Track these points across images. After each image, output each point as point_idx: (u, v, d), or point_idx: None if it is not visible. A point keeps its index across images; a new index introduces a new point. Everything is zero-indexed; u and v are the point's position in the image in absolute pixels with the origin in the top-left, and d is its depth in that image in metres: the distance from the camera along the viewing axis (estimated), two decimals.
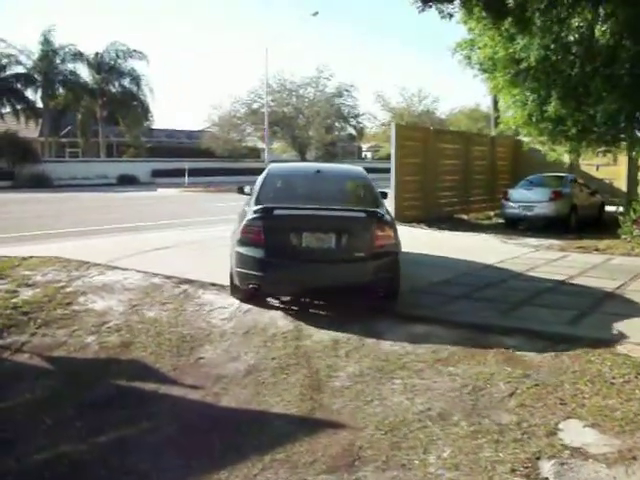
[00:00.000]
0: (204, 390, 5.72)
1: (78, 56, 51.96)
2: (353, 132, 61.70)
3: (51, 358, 6.47)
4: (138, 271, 9.81)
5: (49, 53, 50.43)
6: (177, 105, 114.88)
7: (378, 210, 8.43)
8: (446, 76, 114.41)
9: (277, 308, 8.20)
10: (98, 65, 52.70)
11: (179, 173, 46.51)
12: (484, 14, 11.16)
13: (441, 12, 10.76)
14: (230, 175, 49.86)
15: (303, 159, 56.77)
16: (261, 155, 59.91)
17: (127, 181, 47.24)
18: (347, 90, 57.18)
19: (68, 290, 8.65)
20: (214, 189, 38.31)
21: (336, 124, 57.76)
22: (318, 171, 9.56)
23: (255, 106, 54.53)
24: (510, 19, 10.75)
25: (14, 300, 8.06)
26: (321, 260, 7.89)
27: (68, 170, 46.31)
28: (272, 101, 52.42)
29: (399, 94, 61.25)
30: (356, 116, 59.65)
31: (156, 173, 50.38)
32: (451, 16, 10.92)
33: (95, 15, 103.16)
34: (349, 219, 8.14)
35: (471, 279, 10.46)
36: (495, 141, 25.22)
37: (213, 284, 9.15)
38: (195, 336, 7.04)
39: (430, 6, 10.39)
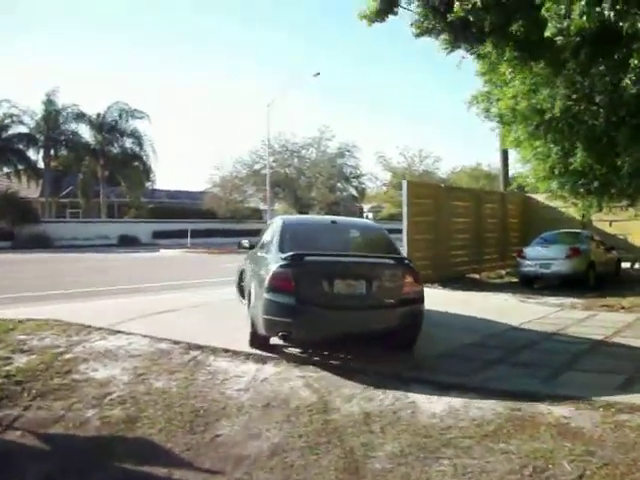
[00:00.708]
0: (224, 476, 4.90)
1: (80, 116, 52.04)
2: (354, 193, 61.32)
3: (46, 436, 5.67)
4: (144, 336, 9.10)
5: (52, 113, 50.47)
6: (178, 165, 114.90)
7: (404, 257, 8.93)
8: (446, 136, 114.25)
9: (296, 364, 7.73)
10: (100, 125, 52.64)
11: (181, 234, 46.07)
12: (516, 54, 10.68)
13: (471, 52, 10.41)
14: (232, 236, 48.92)
15: None
16: (263, 216, 59.50)
17: (128, 242, 46.79)
18: (349, 150, 57.29)
19: (67, 357, 7.89)
20: (217, 250, 37.72)
21: (338, 184, 57.52)
22: (334, 222, 9.87)
23: (257, 167, 54.49)
24: (543, 62, 10.35)
25: (7, 368, 7.30)
26: (352, 307, 7.99)
27: (69, 230, 45.97)
28: (274, 162, 52.27)
29: (400, 154, 60.84)
30: (358, 176, 59.66)
31: (157, 234, 50.01)
32: (481, 57, 10.52)
33: (96, 76, 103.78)
34: (379, 266, 8.36)
35: (501, 341, 9.76)
36: (505, 198, 24.64)
37: (225, 350, 8.45)
38: (209, 410, 6.25)
39: (459, 46, 10.02)
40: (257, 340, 8.53)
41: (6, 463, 5.13)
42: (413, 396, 6.79)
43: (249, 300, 9.03)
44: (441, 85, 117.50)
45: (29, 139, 50.68)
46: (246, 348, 8.55)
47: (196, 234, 44.07)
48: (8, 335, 8.84)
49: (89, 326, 9.54)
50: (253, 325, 8.50)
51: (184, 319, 10.71)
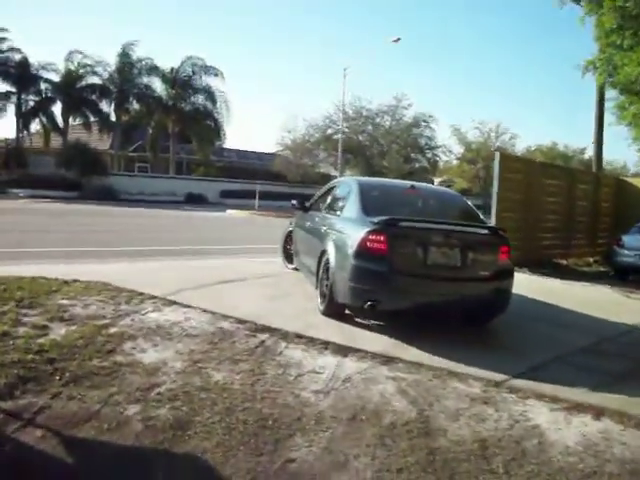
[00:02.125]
0: None
1: (154, 70, 50.96)
2: (426, 164, 59.37)
3: (73, 441, 4.37)
4: (204, 310, 7.82)
5: (126, 65, 49.64)
6: (249, 125, 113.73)
7: (499, 228, 8.49)
8: (524, 114, 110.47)
9: (383, 359, 6.27)
10: (173, 80, 51.56)
11: (248, 195, 44.99)
12: None
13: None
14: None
15: None
16: None
17: (195, 200, 46.02)
18: (425, 121, 55.32)
19: (112, 331, 6.63)
20: (282, 214, 36.46)
21: (411, 155, 55.89)
22: (413, 187, 9.41)
23: (329, 132, 53.21)
24: None
25: (40, 341, 6.07)
26: (446, 277, 7.62)
27: (136, 185, 45.40)
28: (347, 127, 50.82)
29: (476, 128, 58.57)
30: (432, 148, 57.71)
31: (225, 193, 49.10)
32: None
33: (168, 31, 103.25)
34: (475, 235, 8.02)
35: (623, 347, 8.24)
36: (599, 180, 22.63)
37: (298, 335, 7.14)
38: (280, 420, 4.87)
39: None
40: (333, 308, 8.13)
41: None
42: (534, 417, 5.37)
43: (320, 267, 8.71)
44: (526, 61, 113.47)
45: (102, 90, 49.96)
46: (322, 334, 7.29)
47: (264, 196, 42.64)
48: (49, 298, 7.65)
49: (142, 293, 8.30)
50: (331, 292, 8.02)
51: (250, 292, 9.39)
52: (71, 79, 48.64)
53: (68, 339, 6.20)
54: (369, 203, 8.42)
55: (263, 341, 6.86)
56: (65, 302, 7.52)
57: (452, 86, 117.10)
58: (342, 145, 46.45)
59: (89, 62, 49.36)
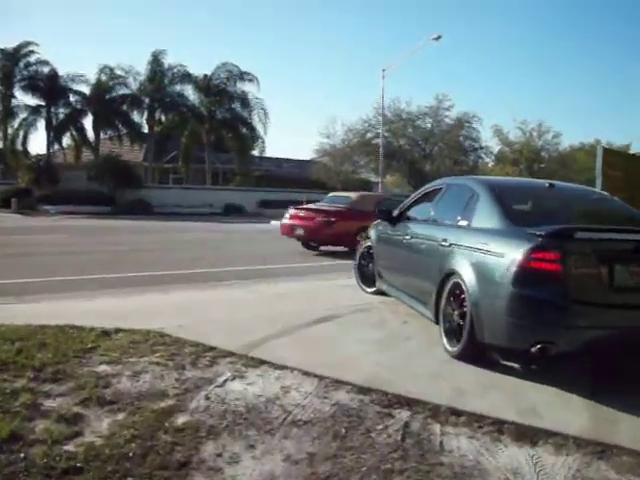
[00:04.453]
0: None
1: (186, 77, 49.13)
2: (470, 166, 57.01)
3: None
4: (305, 373, 5.41)
5: (157, 74, 47.79)
6: (285, 133, 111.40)
7: None
8: (565, 112, 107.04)
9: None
10: (207, 87, 49.54)
11: (288, 204, 42.74)
12: None
13: None
14: None
15: None
16: (373, 188, 56.09)
17: (233, 211, 43.93)
18: (468, 121, 53.03)
19: (181, 421, 4.25)
20: None
21: (463, 157, 53.91)
22: (552, 185, 7.42)
23: (369, 136, 51.45)
24: None
25: (69, 447, 3.75)
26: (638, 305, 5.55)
27: (171, 197, 43.44)
28: (387, 131, 48.72)
29: (517, 128, 56.23)
30: (475, 150, 55.44)
31: (264, 203, 46.94)
32: None
33: (201, 38, 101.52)
34: None
35: None
36: None
37: (453, 410, 4.77)
38: None
39: None
40: (473, 350, 6.01)
41: None
42: None
43: (442, 295, 6.64)
44: (567, 60, 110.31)
45: (133, 100, 48.26)
46: (484, 403, 4.94)
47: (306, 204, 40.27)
48: (83, 362, 5.32)
49: (212, 348, 5.90)
50: (471, 330, 5.93)
51: (352, 336, 6.90)
52: (101, 90, 46.97)
53: (113, 442, 3.84)
54: (511, 209, 6.51)
55: (407, 424, 4.47)
56: (106, 369, 5.16)
57: (490, 86, 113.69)
58: (382, 149, 44.22)
59: (119, 72, 47.73)
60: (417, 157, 52.78)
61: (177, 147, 51.51)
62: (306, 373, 5.37)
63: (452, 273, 6.44)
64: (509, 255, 5.63)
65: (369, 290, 9.61)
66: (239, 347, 5.97)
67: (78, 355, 5.43)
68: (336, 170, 51.93)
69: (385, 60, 76.62)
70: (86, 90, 47.47)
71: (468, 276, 6.08)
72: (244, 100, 50.31)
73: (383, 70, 43.80)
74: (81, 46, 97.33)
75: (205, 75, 49.95)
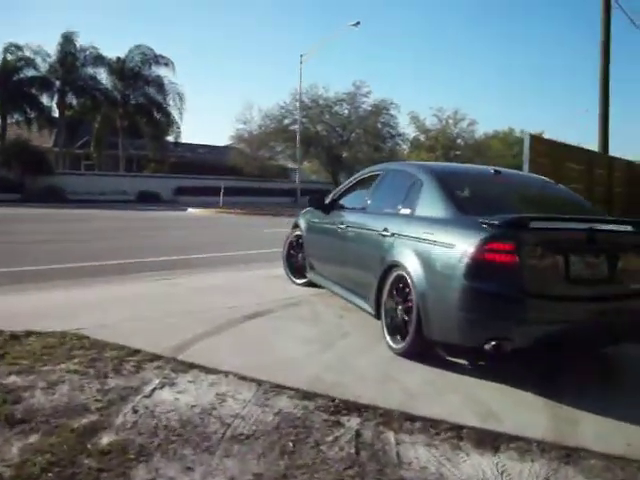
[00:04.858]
0: None
1: (99, 60, 47.40)
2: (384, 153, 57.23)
3: None
4: (242, 378, 4.91)
5: (68, 55, 45.91)
6: (200, 118, 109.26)
7: None
8: (479, 100, 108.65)
9: None
10: (120, 71, 47.95)
11: (205, 191, 42.19)
12: None
13: None
14: (260, 195, 45.94)
15: (335, 180, 53.40)
16: (290, 175, 55.77)
17: (148, 198, 42.71)
18: (386, 108, 53.22)
19: (105, 441, 3.71)
20: (251, 211, 33.49)
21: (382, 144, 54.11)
22: (497, 172, 6.96)
23: (286, 122, 51.00)
24: None
25: None
26: (595, 297, 5.39)
27: (83, 184, 41.88)
28: (304, 117, 48.39)
29: (434, 115, 56.87)
30: (392, 136, 55.74)
31: (180, 191, 45.94)
32: None
33: (114, 18, 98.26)
34: (624, 235, 5.62)
35: None
36: (612, 163, 20.36)
37: (410, 417, 4.39)
38: None
39: None
40: (419, 347, 5.65)
41: None
42: None
43: (384, 289, 6.20)
44: (476, 46, 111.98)
45: (42, 83, 46.30)
46: (435, 407, 4.60)
47: (225, 192, 39.34)
48: None
49: (137, 351, 5.33)
50: (418, 326, 5.53)
51: (289, 334, 6.44)
52: (7, 72, 44.72)
53: (26, 473, 3.29)
54: (459, 197, 6.06)
55: (358, 433, 4.06)
56: (16, 380, 4.53)
57: (407, 73, 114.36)
58: (300, 136, 43.82)
59: (28, 54, 45.62)
60: (335, 143, 52.61)
61: (89, 132, 49.78)
62: (242, 377, 4.88)
63: (395, 265, 6.04)
64: (460, 246, 5.26)
65: (299, 282, 9.16)
66: (166, 349, 5.42)
67: None
68: (253, 156, 51.29)
69: (304, 46, 76.01)
70: None
71: (414, 268, 5.68)
72: (159, 84, 49.01)
73: (301, 56, 43.60)
74: None
75: (119, 58, 48.38)
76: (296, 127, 46.74)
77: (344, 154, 53.31)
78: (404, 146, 58.45)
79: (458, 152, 57.46)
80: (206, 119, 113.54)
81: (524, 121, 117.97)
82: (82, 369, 4.81)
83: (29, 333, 5.63)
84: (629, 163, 21.90)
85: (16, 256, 12.19)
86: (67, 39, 46.04)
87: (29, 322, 6.10)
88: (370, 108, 52.57)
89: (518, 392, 5.02)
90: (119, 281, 9.47)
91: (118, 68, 48.00)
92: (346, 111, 52.99)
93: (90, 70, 47.71)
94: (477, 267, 5.11)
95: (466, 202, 5.98)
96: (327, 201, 8.44)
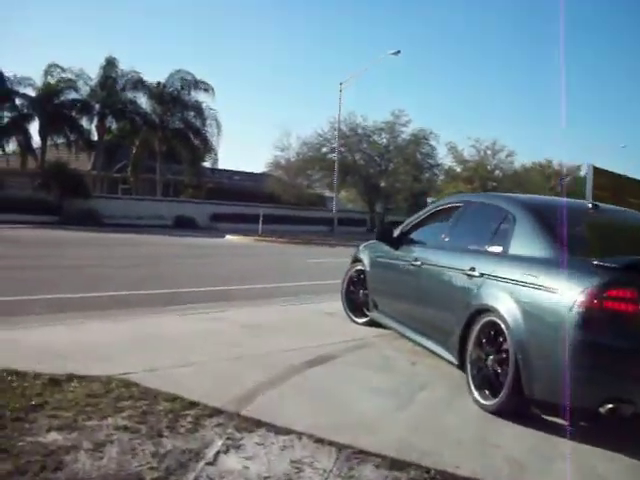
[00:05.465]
0: None
1: (139, 84, 47.20)
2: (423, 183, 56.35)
3: None
4: (317, 440, 4.16)
5: (109, 79, 45.92)
6: (238, 144, 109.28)
7: None
8: (516, 131, 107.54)
9: None
10: (160, 95, 47.66)
11: (242, 218, 41.68)
12: None
13: None
14: (297, 224, 45.24)
15: (372, 209, 52.86)
16: (327, 204, 55.15)
17: (185, 224, 42.24)
18: (425, 138, 52.61)
19: None
20: (290, 240, 32.81)
21: (426, 174, 53.65)
22: (595, 206, 6.13)
23: (324, 150, 50.59)
24: None
25: None
26: None
27: (120, 208, 41.55)
28: (342, 146, 47.81)
29: (472, 146, 56.09)
30: (431, 167, 55.05)
31: (216, 217, 45.33)
32: None
33: (155, 45, 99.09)
34: None
35: None
36: None
37: None
38: None
39: None
40: (515, 405, 4.90)
41: None
42: None
43: (470, 337, 5.44)
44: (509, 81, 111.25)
45: (83, 106, 46.18)
46: None
47: (264, 220, 38.62)
48: (27, 428, 3.96)
49: (194, 403, 4.61)
50: (515, 382, 4.78)
51: (360, 384, 5.68)
52: (49, 94, 44.79)
53: None
54: (562, 234, 5.21)
55: None
56: (57, 439, 3.81)
57: (447, 104, 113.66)
58: (338, 164, 43.30)
59: (69, 76, 45.65)
60: (372, 173, 52.06)
61: (127, 156, 49.58)
62: (319, 440, 4.14)
63: (485, 310, 5.31)
64: (572, 292, 4.53)
65: (359, 321, 8.41)
66: (227, 402, 4.70)
67: (19, 417, 4.09)
68: (290, 184, 50.81)
69: (343, 75, 75.77)
70: (33, 94, 45.27)
71: (510, 315, 4.94)
72: (198, 110, 48.60)
73: (340, 84, 43.04)
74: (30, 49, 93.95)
75: (159, 82, 48.10)
76: (334, 155, 46.13)
77: (382, 184, 52.73)
78: (441, 177, 57.45)
79: (495, 183, 56.65)
80: (244, 146, 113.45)
81: (561, 153, 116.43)
82: (132, 425, 4.10)
83: (70, 377, 4.93)
84: None
85: (92, 281, 11.62)
86: (110, 63, 45.99)
87: (68, 363, 5.43)
88: (409, 137, 51.91)
89: (625, 459, 4.29)
90: (166, 313, 8.81)
91: (158, 93, 47.67)
92: (384, 140, 52.42)
93: (130, 94, 47.54)
94: (595, 317, 4.41)
95: (571, 240, 5.22)
96: (396, 234, 7.70)
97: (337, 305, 8.97)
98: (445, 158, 56.14)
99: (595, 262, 4.58)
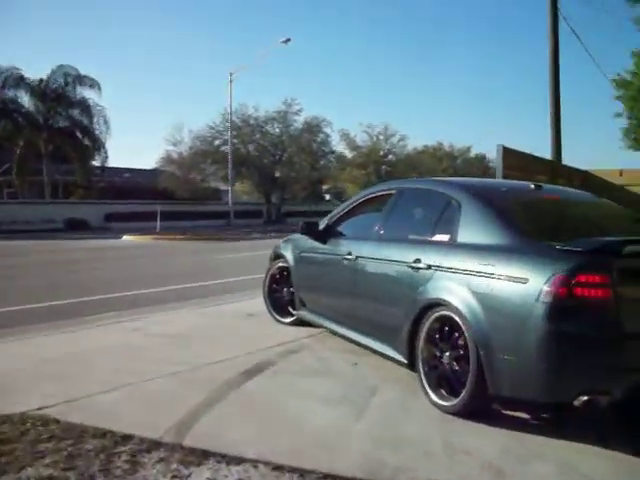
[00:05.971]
0: None
1: (20, 81, 44.84)
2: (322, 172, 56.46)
3: None
4: (275, 467, 3.66)
5: None
6: (127, 140, 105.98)
7: None
8: (406, 116, 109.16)
9: None
10: (43, 93, 45.49)
11: (138, 217, 40.26)
12: None
13: None
14: (193, 219, 44.14)
15: (268, 200, 52.49)
16: (222, 197, 54.30)
17: (77, 226, 40.43)
18: (318, 126, 52.55)
19: None
20: (191, 236, 31.86)
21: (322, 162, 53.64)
22: (538, 187, 5.80)
23: (217, 143, 49.66)
24: None
25: None
26: None
27: (6, 213, 39.21)
28: (235, 138, 47.18)
29: (364, 132, 56.77)
30: (326, 154, 55.06)
31: (110, 217, 43.64)
32: None
33: (38, 38, 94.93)
34: None
35: None
36: (572, 173, 19.86)
37: None
38: None
39: None
40: (477, 403, 4.56)
41: None
42: None
43: (419, 333, 5.07)
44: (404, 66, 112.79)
45: None
46: None
47: (155, 217, 37.32)
48: None
49: (128, 437, 4.01)
50: (478, 379, 4.43)
51: (306, 394, 5.15)
52: None
53: None
54: (516, 219, 4.97)
55: None
56: None
57: (340, 90, 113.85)
58: (231, 156, 42.67)
59: None
60: (267, 163, 51.55)
61: (11, 158, 47.11)
62: (277, 468, 3.64)
63: (436, 304, 4.92)
64: (536, 280, 4.19)
65: (285, 320, 7.92)
66: (165, 431, 4.12)
67: None
68: (184, 179, 49.60)
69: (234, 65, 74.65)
70: None
71: (468, 309, 4.57)
72: (84, 107, 46.68)
73: (231, 74, 42.39)
74: None
75: (41, 79, 45.86)
76: (227, 148, 45.42)
77: (277, 174, 52.34)
78: (336, 164, 57.63)
79: (389, 168, 57.35)
80: (130, 140, 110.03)
81: (451, 136, 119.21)
82: (59, 474, 3.47)
83: None
84: (585, 172, 21.50)
85: None
86: None
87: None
88: (302, 126, 51.71)
89: (612, 454, 4.00)
90: (74, 327, 8.03)
91: (40, 90, 45.45)
92: (277, 130, 51.99)
93: (11, 93, 45.10)
94: (564, 306, 4.09)
95: (526, 224, 4.90)
96: (322, 227, 7.22)
97: (258, 303, 8.47)
98: (338, 145, 56.39)
99: (558, 247, 4.27)
